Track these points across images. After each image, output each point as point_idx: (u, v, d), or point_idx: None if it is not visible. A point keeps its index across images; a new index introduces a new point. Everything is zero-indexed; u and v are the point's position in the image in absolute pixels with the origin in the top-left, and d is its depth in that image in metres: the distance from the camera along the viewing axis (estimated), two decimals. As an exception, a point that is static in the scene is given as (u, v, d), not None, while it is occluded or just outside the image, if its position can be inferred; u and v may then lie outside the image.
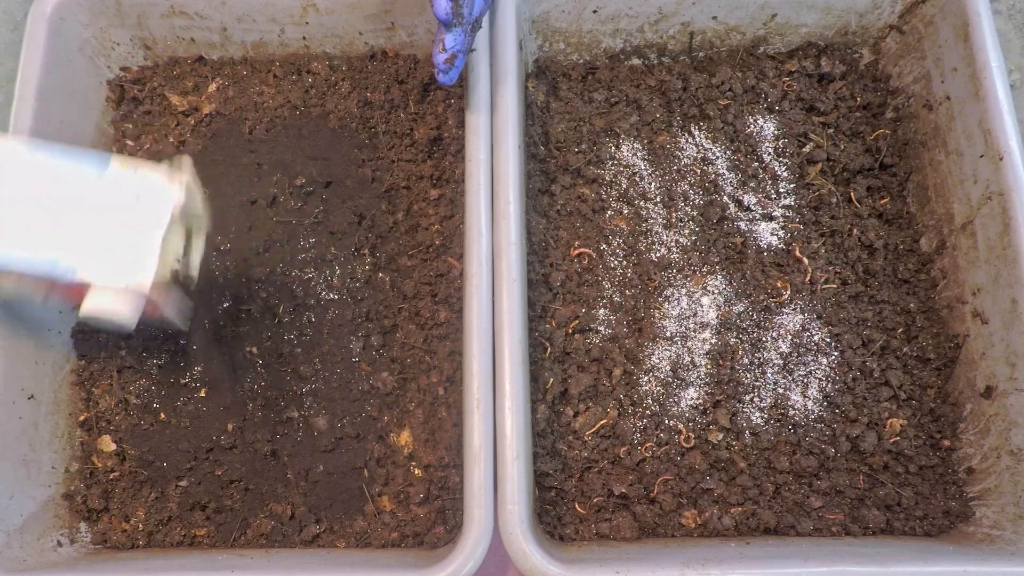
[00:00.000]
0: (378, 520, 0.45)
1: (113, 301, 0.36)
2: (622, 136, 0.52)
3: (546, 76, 0.54)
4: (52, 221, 0.36)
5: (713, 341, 0.47)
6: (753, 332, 0.48)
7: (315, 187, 0.51)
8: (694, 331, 0.48)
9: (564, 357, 0.47)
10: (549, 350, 0.46)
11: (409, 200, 0.51)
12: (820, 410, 0.46)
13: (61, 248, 0.36)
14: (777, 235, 0.50)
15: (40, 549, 0.43)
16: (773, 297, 0.48)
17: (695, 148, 0.52)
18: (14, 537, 0.41)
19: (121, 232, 0.37)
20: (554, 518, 0.44)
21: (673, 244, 0.50)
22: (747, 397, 0.46)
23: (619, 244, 0.49)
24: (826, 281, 0.49)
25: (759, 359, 0.47)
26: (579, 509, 0.44)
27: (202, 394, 0.47)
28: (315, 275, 0.49)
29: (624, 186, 0.51)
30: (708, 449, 0.45)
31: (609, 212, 0.50)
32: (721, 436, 0.46)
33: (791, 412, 0.46)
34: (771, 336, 0.48)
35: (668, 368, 0.47)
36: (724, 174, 0.51)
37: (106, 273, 0.36)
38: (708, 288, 0.49)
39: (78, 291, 0.37)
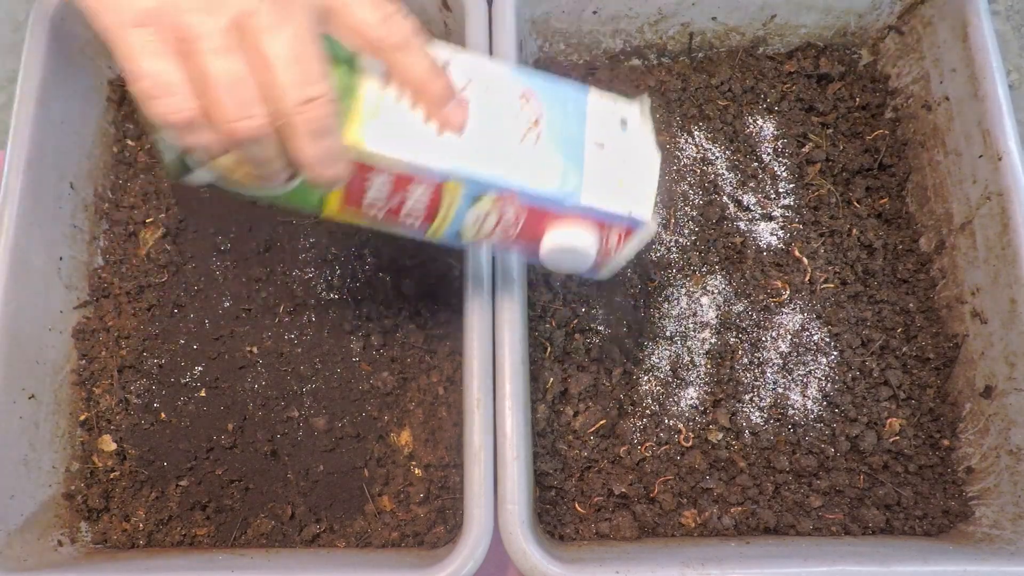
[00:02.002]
0: (378, 520, 0.45)
1: (584, 234, 0.31)
2: (622, 136, 0.52)
3: (546, 77, 0.54)
4: (548, 144, 0.31)
5: (713, 341, 0.47)
6: (753, 332, 0.48)
7: (315, 187, 0.51)
8: (694, 331, 0.48)
9: (564, 357, 0.47)
10: (549, 350, 0.47)
11: (409, 200, 0.51)
12: (819, 410, 0.46)
13: (563, 171, 0.31)
14: (776, 235, 0.50)
15: (40, 549, 0.43)
16: (772, 297, 0.48)
17: (694, 148, 0.52)
18: (15, 537, 0.42)
19: (618, 159, 0.32)
20: (554, 518, 0.44)
21: (673, 244, 0.50)
22: (747, 397, 0.46)
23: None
24: (825, 281, 0.49)
25: (759, 359, 0.47)
26: (579, 509, 0.44)
27: (202, 394, 0.47)
28: (315, 275, 0.49)
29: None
30: (708, 449, 0.45)
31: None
32: (721, 436, 0.46)
33: (791, 412, 0.46)
34: (770, 336, 0.48)
35: (668, 368, 0.47)
36: (723, 174, 0.51)
37: (609, 200, 0.31)
38: (708, 288, 0.49)
39: (542, 220, 0.31)
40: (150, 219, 0.51)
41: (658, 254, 0.49)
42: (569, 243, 0.32)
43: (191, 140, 0.26)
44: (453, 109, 0.30)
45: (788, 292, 0.48)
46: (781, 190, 0.51)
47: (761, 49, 0.55)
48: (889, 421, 0.46)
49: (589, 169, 0.31)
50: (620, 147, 0.33)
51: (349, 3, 0.28)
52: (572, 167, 0.31)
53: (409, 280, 0.49)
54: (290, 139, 0.27)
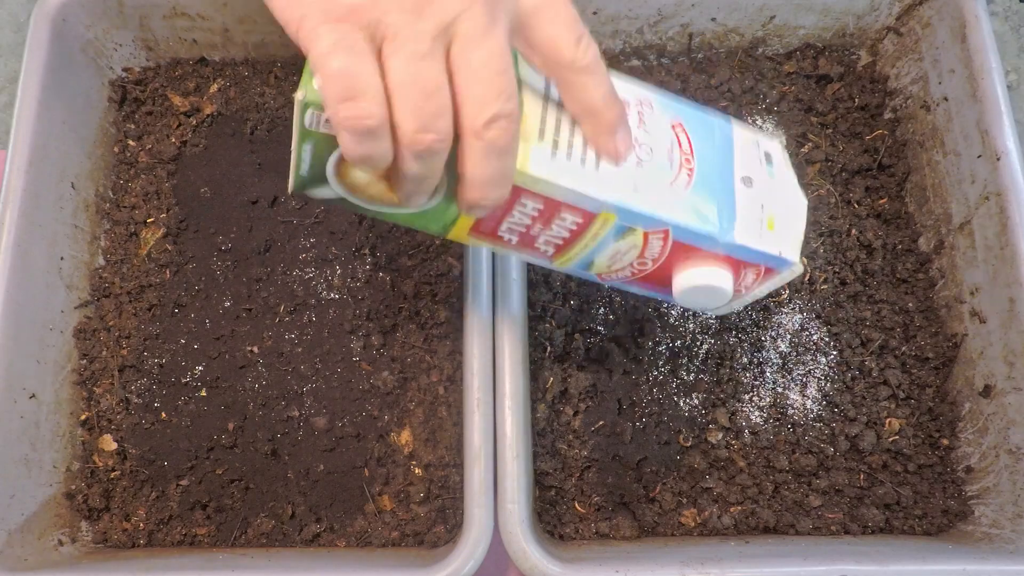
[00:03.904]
0: (378, 519, 0.45)
1: (723, 273, 0.30)
2: (621, 137, 0.52)
3: (546, 77, 0.54)
4: (701, 179, 0.30)
5: (712, 341, 0.47)
6: (752, 332, 0.48)
7: (316, 187, 0.51)
8: (693, 331, 0.48)
9: (564, 357, 0.47)
10: (549, 350, 0.47)
11: (409, 200, 0.51)
12: (819, 409, 0.46)
13: (718, 208, 0.29)
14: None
15: (41, 548, 0.43)
16: (772, 297, 0.49)
17: (694, 149, 0.52)
18: (15, 536, 0.42)
19: (765, 197, 0.31)
20: (554, 517, 0.44)
21: (672, 244, 0.50)
22: (746, 397, 0.46)
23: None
24: (824, 281, 0.49)
25: (758, 359, 0.47)
26: (579, 508, 0.45)
27: (203, 393, 0.47)
28: (316, 274, 0.49)
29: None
30: (707, 448, 0.46)
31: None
32: (720, 435, 0.46)
33: (790, 411, 0.46)
34: (770, 336, 0.48)
35: (668, 368, 0.47)
36: (723, 174, 0.51)
37: (760, 240, 0.30)
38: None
39: (682, 257, 0.30)
40: (151, 219, 0.51)
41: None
42: (708, 282, 0.31)
43: (363, 149, 0.24)
44: (622, 138, 0.28)
45: (788, 292, 0.49)
46: (780, 190, 0.51)
47: (760, 50, 0.55)
48: (888, 421, 0.46)
49: (740, 206, 0.30)
50: (766, 184, 0.32)
51: (546, 19, 0.26)
52: (726, 204, 0.30)
53: (409, 280, 0.49)
54: (467, 155, 0.25)
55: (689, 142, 0.30)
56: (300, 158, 0.27)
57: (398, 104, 0.23)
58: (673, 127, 0.31)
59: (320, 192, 0.28)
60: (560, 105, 0.28)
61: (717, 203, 0.30)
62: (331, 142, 0.26)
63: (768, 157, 0.33)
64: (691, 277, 0.31)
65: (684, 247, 0.30)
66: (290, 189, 0.28)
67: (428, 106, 0.23)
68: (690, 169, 0.30)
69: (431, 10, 0.23)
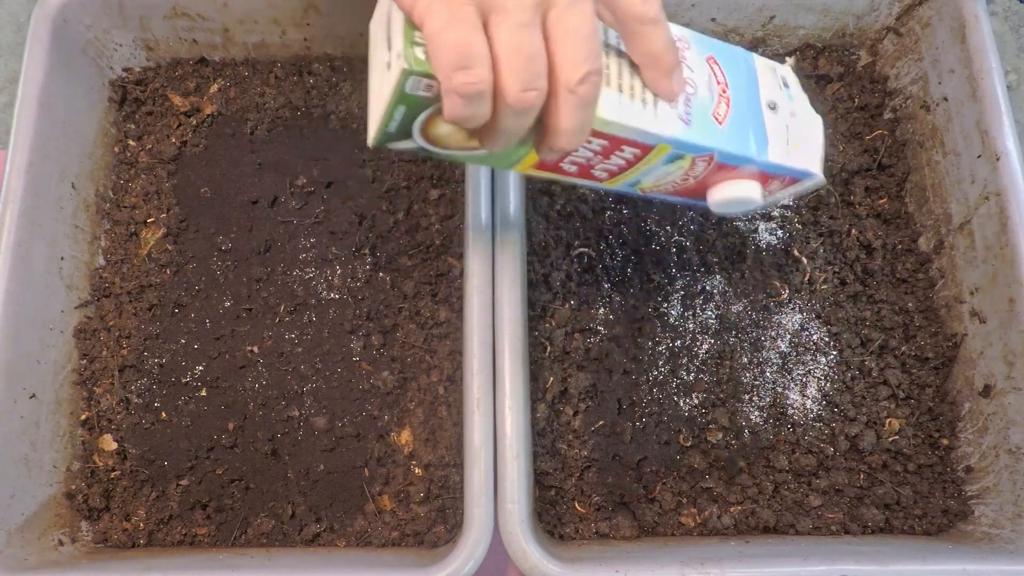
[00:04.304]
0: (378, 519, 0.45)
1: (754, 186, 0.35)
2: (621, 137, 0.52)
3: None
4: (736, 107, 0.34)
5: (712, 341, 0.47)
6: (752, 332, 0.48)
7: (316, 187, 0.51)
8: (694, 331, 0.48)
9: (564, 356, 0.47)
10: (549, 349, 0.47)
11: (409, 200, 0.51)
12: (819, 409, 0.46)
13: (753, 133, 0.34)
14: (776, 235, 0.50)
15: (41, 548, 0.43)
16: (772, 297, 0.49)
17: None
18: (15, 536, 0.42)
19: (788, 119, 0.35)
20: (554, 517, 0.44)
21: (672, 243, 0.50)
22: (746, 396, 0.46)
23: (619, 244, 0.50)
24: (824, 281, 0.49)
25: (758, 358, 0.47)
26: (579, 508, 0.45)
27: (203, 393, 0.47)
28: (316, 274, 0.49)
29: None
30: (707, 448, 0.46)
31: (609, 212, 0.50)
32: (720, 435, 0.46)
33: (790, 411, 0.46)
34: (770, 336, 0.48)
35: (668, 368, 0.47)
36: (723, 175, 0.51)
37: (790, 158, 0.35)
38: (707, 288, 0.49)
39: (720, 175, 0.35)
40: (151, 219, 0.51)
41: (658, 254, 0.49)
42: (742, 194, 0.35)
43: (469, 110, 0.27)
44: (677, 80, 0.31)
45: (787, 292, 0.49)
46: (780, 190, 0.51)
47: (760, 50, 0.55)
48: (888, 420, 0.46)
49: (769, 129, 0.35)
50: (788, 107, 0.36)
51: None
52: (758, 128, 0.34)
53: (409, 280, 0.49)
54: (556, 109, 0.28)
55: (723, 73, 0.34)
56: (390, 118, 0.30)
57: (505, 68, 0.26)
58: (707, 61, 0.34)
59: (400, 144, 0.32)
60: (619, 53, 0.32)
61: (752, 128, 0.34)
62: (423, 104, 0.29)
63: (785, 82, 0.37)
64: (727, 190, 0.36)
65: (724, 167, 0.34)
66: (371, 143, 0.31)
67: (531, 68, 0.26)
68: (727, 99, 0.34)
69: None
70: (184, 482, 0.46)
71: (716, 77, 0.34)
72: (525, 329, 0.43)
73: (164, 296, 0.49)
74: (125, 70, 0.54)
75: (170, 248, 0.50)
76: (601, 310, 0.48)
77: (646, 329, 0.48)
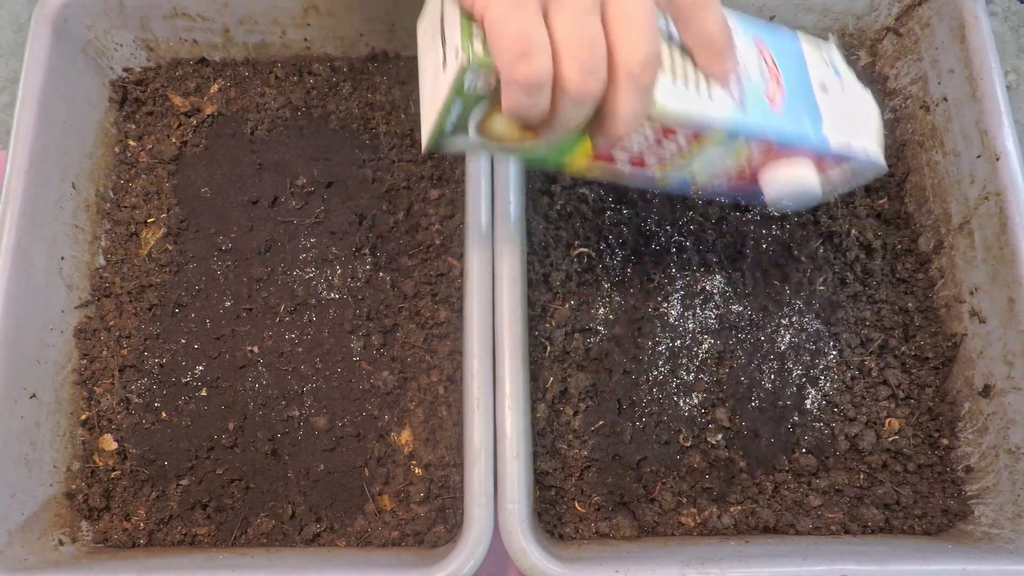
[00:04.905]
0: (378, 519, 0.45)
1: (810, 171, 0.33)
2: (621, 137, 0.52)
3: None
4: (789, 90, 0.33)
5: (712, 341, 0.48)
6: (752, 332, 0.48)
7: (316, 187, 0.51)
8: (693, 331, 0.48)
9: (564, 356, 0.47)
10: (549, 349, 0.47)
11: (409, 200, 0.51)
12: (818, 409, 0.46)
13: (809, 115, 0.33)
14: (775, 235, 0.50)
15: (41, 548, 0.43)
16: (772, 297, 0.49)
17: (694, 149, 0.52)
18: (15, 536, 0.42)
19: (841, 100, 0.34)
20: (554, 517, 0.44)
21: (672, 243, 0.50)
22: (746, 396, 0.47)
23: (619, 244, 0.50)
24: (824, 281, 0.49)
25: (758, 358, 0.47)
26: (579, 508, 0.45)
27: (203, 393, 0.47)
28: (316, 274, 0.49)
29: (624, 186, 0.51)
30: (707, 448, 0.46)
31: (608, 212, 0.50)
32: (720, 435, 0.46)
33: (790, 411, 0.46)
34: (770, 336, 0.48)
35: (667, 368, 0.47)
36: (723, 175, 0.51)
37: (848, 139, 0.33)
38: (707, 288, 0.49)
39: (773, 160, 0.33)
40: (151, 219, 0.51)
41: (658, 254, 0.49)
42: (800, 182, 0.34)
43: (530, 101, 0.27)
44: (731, 61, 0.31)
45: (787, 292, 0.49)
46: (780, 190, 0.51)
47: (760, 50, 0.55)
48: (888, 420, 0.46)
49: (823, 110, 0.33)
50: (838, 87, 0.35)
51: None
52: (812, 110, 0.33)
53: (409, 280, 0.49)
54: (615, 95, 0.27)
55: (771, 55, 0.33)
56: (447, 115, 0.29)
57: (565, 56, 0.26)
58: (755, 42, 0.33)
59: (454, 143, 0.31)
60: (671, 37, 0.31)
61: (806, 110, 0.33)
62: (481, 98, 0.28)
63: (832, 63, 0.36)
64: (784, 177, 0.34)
65: (779, 151, 0.33)
66: (425, 146, 0.31)
67: (592, 55, 0.26)
68: (778, 81, 0.33)
69: None
70: (184, 482, 0.46)
71: (765, 59, 0.33)
72: (525, 329, 0.43)
73: (164, 296, 0.49)
74: (125, 70, 0.54)
75: (170, 248, 0.50)
76: (601, 310, 0.48)
77: (646, 329, 0.48)
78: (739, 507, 0.44)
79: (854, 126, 0.34)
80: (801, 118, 0.33)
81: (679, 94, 0.30)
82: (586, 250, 0.49)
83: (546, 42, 0.26)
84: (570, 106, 0.27)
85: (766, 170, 0.34)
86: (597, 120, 0.29)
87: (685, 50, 0.31)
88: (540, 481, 0.44)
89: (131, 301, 0.49)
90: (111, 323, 0.49)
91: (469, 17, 0.27)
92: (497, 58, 0.26)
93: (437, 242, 0.49)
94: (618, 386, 0.46)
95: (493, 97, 0.28)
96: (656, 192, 0.51)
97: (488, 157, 0.45)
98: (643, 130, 0.31)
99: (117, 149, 0.53)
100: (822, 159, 0.34)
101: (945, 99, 0.49)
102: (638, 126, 0.29)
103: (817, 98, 0.34)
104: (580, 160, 0.34)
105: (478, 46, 0.27)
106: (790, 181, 0.34)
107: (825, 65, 0.35)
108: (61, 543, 0.44)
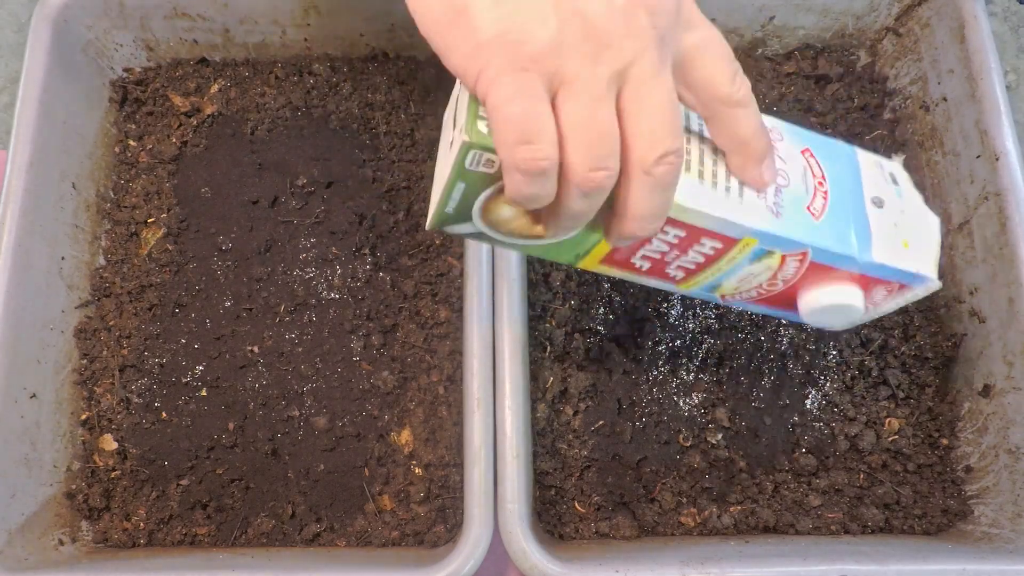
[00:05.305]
0: (378, 519, 0.45)
1: (855, 291, 0.31)
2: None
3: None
4: (835, 202, 0.30)
5: (712, 341, 0.48)
6: (752, 331, 0.48)
7: (316, 187, 0.51)
8: (693, 331, 0.48)
9: (564, 356, 0.47)
10: (549, 349, 0.47)
11: (410, 200, 0.51)
12: (818, 409, 0.46)
13: (855, 230, 0.30)
14: (776, 235, 0.50)
15: (41, 548, 0.43)
16: (772, 297, 0.49)
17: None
18: (15, 536, 0.42)
19: (897, 217, 0.31)
20: (554, 517, 0.44)
21: (672, 244, 0.50)
22: (746, 396, 0.47)
23: (618, 244, 0.50)
24: (824, 281, 0.49)
25: (758, 358, 0.47)
26: (579, 508, 0.45)
27: (203, 393, 0.47)
28: (316, 274, 0.49)
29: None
30: (707, 448, 0.46)
31: (608, 212, 0.50)
32: (720, 435, 0.46)
33: (790, 411, 0.46)
34: (770, 335, 0.48)
35: (667, 368, 0.47)
36: (723, 175, 0.51)
37: (897, 258, 0.30)
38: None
39: (814, 278, 0.31)
40: (151, 219, 0.51)
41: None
42: (841, 300, 0.31)
43: (532, 189, 0.25)
44: (768, 167, 0.29)
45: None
46: (780, 190, 0.51)
47: (760, 50, 0.55)
48: (888, 420, 0.46)
49: (874, 226, 0.31)
50: (896, 205, 0.32)
51: (708, 55, 0.27)
52: (861, 225, 0.31)
53: (409, 280, 0.49)
54: (628, 191, 0.26)
55: (820, 166, 0.31)
56: (449, 196, 0.28)
57: (572, 145, 0.24)
58: (803, 153, 0.31)
59: (459, 228, 0.29)
60: (701, 137, 0.29)
61: (853, 224, 0.31)
62: (484, 182, 0.27)
63: (893, 178, 0.33)
64: (824, 296, 0.31)
65: (820, 268, 0.31)
66: (428, 225, 0.29)
67: (602, 145, 0.24)
68: (824, 192, 0.31)
69: (608, 55, 0.24)
70: (184, 482, 0.46)
71: (812, 170, 0.31)
72: (525, 329, 0.44)
73: (164, 296, 0.49)
74: (126, 70, 0.54)
75: (170, 248, 0.50)
76: (601, 310, 0.48)
77: (646, 329, 0.48)
78: (739, 507, 0.44)
79: (908, 244, 0.31)
80: (847, 232, 0.30)
81: (706, 196, 0.28)
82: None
83: (551, 128, 0.24)
84: (577, 198, 0.25)
85: (804, 290, 0.32)
86: (610, 217, 0.27)
87: (717, 152, 0.29)
88: (540, 481, 0.44)
89: (131, 301, 0.49)
90: (111, 323, 0.49)
91: (476, 99, 0.26)
92: (497, 141, 0.24)
93: (437, 242, 0.49)
94: (618, 386, 0.46)
95: (498, 180, 0.27)
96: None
97: None
98: (665, 234, 0.29)
99: (117, 149, 0.53)
100: (869, 279, 0.31)
101: (945, 99, 0.49)
102: (655, 227, 0.27)
103: (869, 214, 0.31)
104: (594, 261, 0.31)
105: (483, 126, 0.25)
106: (830, 301, 0.31)
107: (884, 180, 0.33)
108: (61, 543, 0.44)
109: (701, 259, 0.31)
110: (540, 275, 0.48)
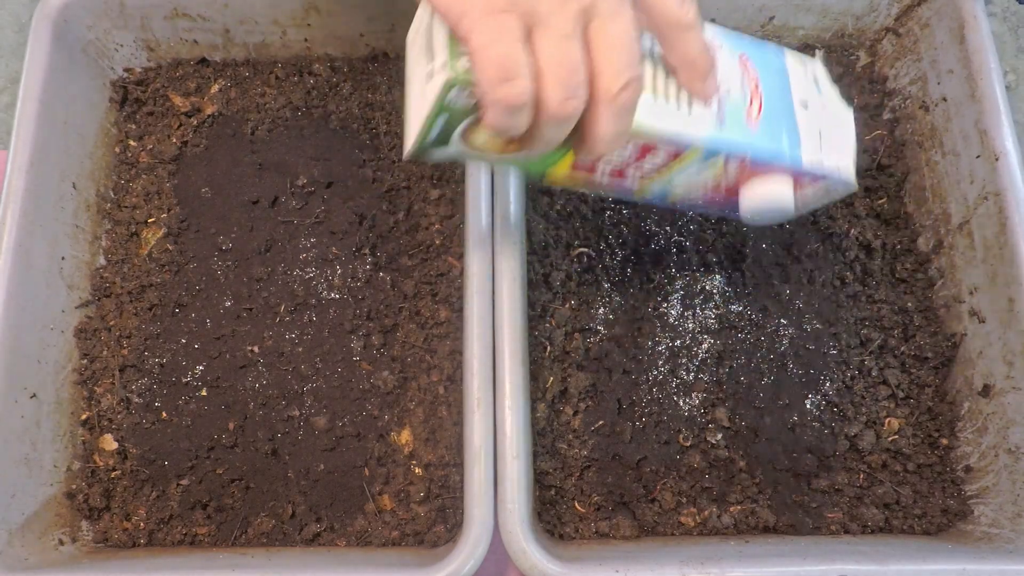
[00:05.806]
0: (378, 519, 0.45)
1: (786, 188, 0.34)
2: (621, 137, 0.52)
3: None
4: (769, 107, 0.34)
5: (712, 341, 0.48)
6: (752, 331, 0.48)
7: (316, 187, 0.51)
8: (693, 331, 0.48)
9: (564, 356, 0.47)
10: (549, 349, 0.47)
11: (409, 200, 0.51)
12: (818, 409, 0.46)
13: (787, 133, 0.34)
14: (775, 235, 0.50)
15: (42, 548, 0.43)
16: (771, 296, 0.49)
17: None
18: (16, 536, 0.42)
19: (820, 118, 0.35)
20: (554, 517, 0.44)
21: (672, 243, 0.50)
22: (746, 396, 0.47)
23: (619, 244, 0.50)
24: (824, 281, 0.49)
25: (758, 358, 0.47)
26: (579, 508, 0.45)
27: (203, 393, 0.47)
28: (316, 274, 0.49)
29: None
30: (707, 448, 0.46)
31: (608, 212, 0.50)
32: (720, 435, 0.46)
33: (790, 411, 0.46)
34: (769, 335, 0.48)
35: (667, 368, 0.47)
36: (723, 175, 0.51)
37: (822, 158, 0.34)
38: (707, 288, 0.49)
39: (750, 176, 0.34)
40: (152, 219, 0.51)
41: (658, 254, 0.50)
42: (775, 198, 0.35)
43: (510, 121, 0.27)
44: (712, 82, 0.32)
45: (787, 292, 0.49)
46: (780, 190, 0.51)
47: (760, 51, 0.55)
48: (888, 420, 0.46)
49: (802, 128, 0.34)
50: (819, 106, 0.35)
51: None
52: (791, 128, 0.34)
53: (409, 280, 0.49)
54: (596, 116, 0.28)
55: (755, 72, 0.34)
56: (431, 127, 0.30)
57: (547, 79, 0.27)
58: (739, 59, 0.34)
59: (438, 153, 0.32)
60: (654, 56, 0.32)
61: (785, 128, 0.34)
62: (464, 112, 0.29)
63: (816, 81, 0.36)
64: (759, 192, 0.35)
65: (756, 168, 0.34)
66: (407, 155, 0.32)
67: (573, 78, 0.27)
68: (759, 97, 0.34)
69: None
70: (184, 482, 0.46)
71: (748, 75, 0.34)
72: (525, 329, 0.44)
73: (164, 296, 0.49)
74: (126, 70, 0.54)
75: (171, 248, 0.50)
76: (601, 310, 0.48)
77: (646, 329, 0.48)
78: (739, 507, 0.44)
79: (831, 144, 0.35)
80: (779, 136, 0.34)
81: (660, 112, 0.31)
82: (586, 250, 0.49)
83: (525, 64, 0.26)
84: (551, 126, 0.28)
85: (743, 186, 0.35)
86: (579, 138, 0.30)
87: (668, 69, 0.32)
88: (540, 481, 0.44)
89: (131, 301, 0.49)
90: (111, 323, 0.49)
91: (455, 36, 0.28)
92: (480, 80, 0.27)
93: (437, 242, 0.49)
94: (618, 386, 0.46)
95: (477, 110, 0.29)
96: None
97: None
98: (625, 148, 0.32)
99: (117, 149, 0.53)
100: (798, 176, 0.35)
101: (944, 99, 0.49)
102: (619, 145, 0.30)
103: (797, 116, 0.35)
104: (562, 171, 0.34)
105: (464, 63, 0.27)
106: (765, 197, 0.35)
107: (809, 82, 0.36)
108: (61, 543, 0.44)
109: (657, 163, 0.34)
110: (540, 275, 0.48)
